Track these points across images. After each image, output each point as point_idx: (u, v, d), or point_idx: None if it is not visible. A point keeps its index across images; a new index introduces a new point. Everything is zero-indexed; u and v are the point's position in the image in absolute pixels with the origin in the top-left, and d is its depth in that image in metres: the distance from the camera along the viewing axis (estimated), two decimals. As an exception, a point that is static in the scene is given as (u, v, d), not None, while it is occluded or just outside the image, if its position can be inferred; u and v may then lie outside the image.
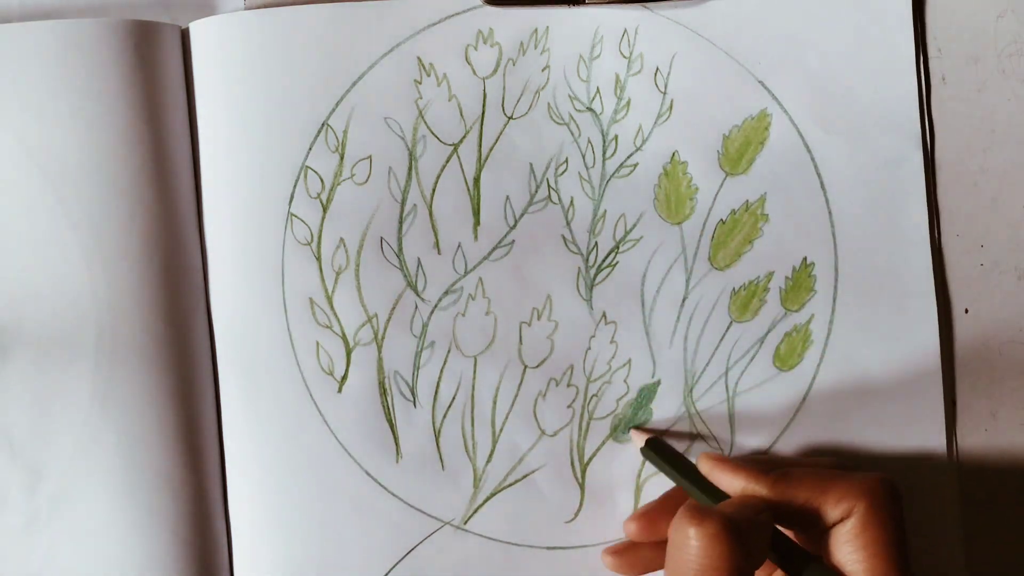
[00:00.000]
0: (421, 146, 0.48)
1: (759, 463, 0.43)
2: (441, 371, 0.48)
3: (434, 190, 0.48)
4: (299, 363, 0.47)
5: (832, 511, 0.40)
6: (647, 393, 0.48)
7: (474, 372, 0.48)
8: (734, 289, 0.48)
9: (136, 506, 0.46)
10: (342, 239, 0.47)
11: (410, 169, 0.48)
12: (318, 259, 0.47)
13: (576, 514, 0.48)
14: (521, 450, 0.48)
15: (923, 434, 0.47)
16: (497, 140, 0.48)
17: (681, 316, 0.48)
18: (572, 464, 0.48)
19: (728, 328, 0.48)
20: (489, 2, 0.48)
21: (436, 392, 0.48)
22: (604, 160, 0.48)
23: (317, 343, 0.47)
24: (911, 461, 0.47)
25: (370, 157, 0.48)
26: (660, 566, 0.45)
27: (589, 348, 0.48)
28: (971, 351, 0.48)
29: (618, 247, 0.48)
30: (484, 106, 0.48)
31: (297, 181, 0.47)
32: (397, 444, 0.47)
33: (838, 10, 0.48)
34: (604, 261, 0.48)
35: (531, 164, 0.48)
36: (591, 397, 0.48)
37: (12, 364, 0.46)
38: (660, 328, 0.48)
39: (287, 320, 0.47)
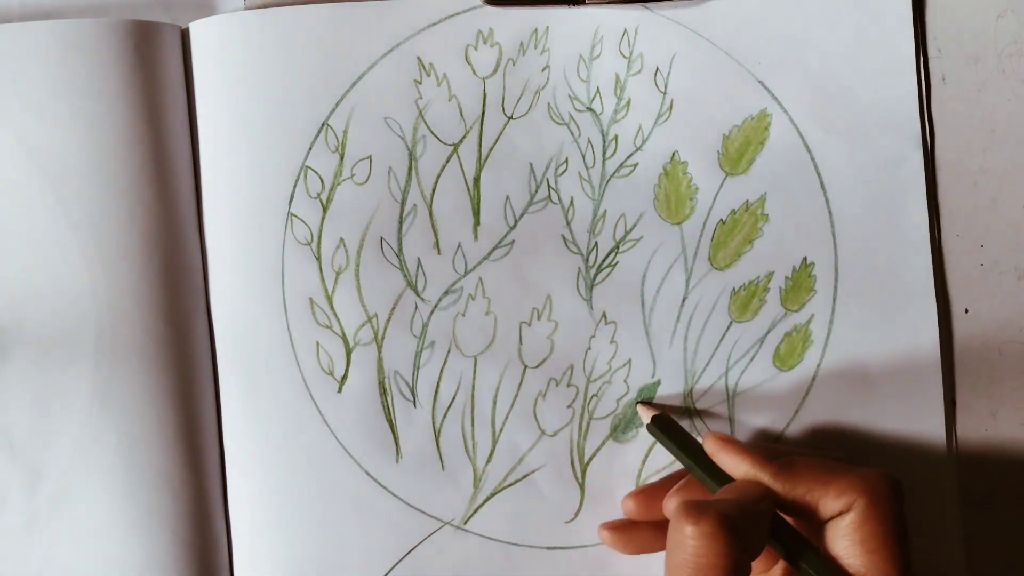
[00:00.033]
0: (421, 146, 0.48)
1: (765, 449, 0.43)
2: (441, 371, 0.48)
3: (434, 190, 0.48)
4: (299, 363, 0.47)
5: (833, 504, 0.40)
6: (647, 393, 0.48)
7: (474, 372, 0.48)
8: (734, 289, 0.48)
9: (136, 506, 0.46)
10: (342, 239, 0.47)
11: (410, 169, 0.48)
12: (318, 259, 0.47)
13: (576, 514, 0.48)
14: (521, 450, 0.48)
15: (923, 434, 0.47)
16: (497, 140, 0.48)
17: (681, 316, 0.48)
18: (572, 464, 0.48)
19: (728, 328, 0.48)
20: (489, 2, 0.48)
21: (436, 392, 0.48)
22: (604, 160, 0.48)
23: (317, 343, 0.47)
24: (911, 461, 0.47)
25: (370, 157, 0.48)
26: (656, 547, 0.45)
27: (589, 348, 0.48)
28: (971, 351, 0.48)
29: (618, 247, 0.48)
30: (484, 106, 0.48)
31: (297, 181, 0.47)
32: (397, 444, 0.47)
33: (838, 10, 0.48)
34: (604, 261, 0.48)
35: (531, 164, 0.48)
36: (591, 397, 0.48)
37: (12, 364, 0.46)
38: (660, 328, 0.48)
39: (287, 320, 0.47)
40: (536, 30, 0.48)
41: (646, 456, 0.48)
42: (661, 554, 0.43)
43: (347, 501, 0.47)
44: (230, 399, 0.47)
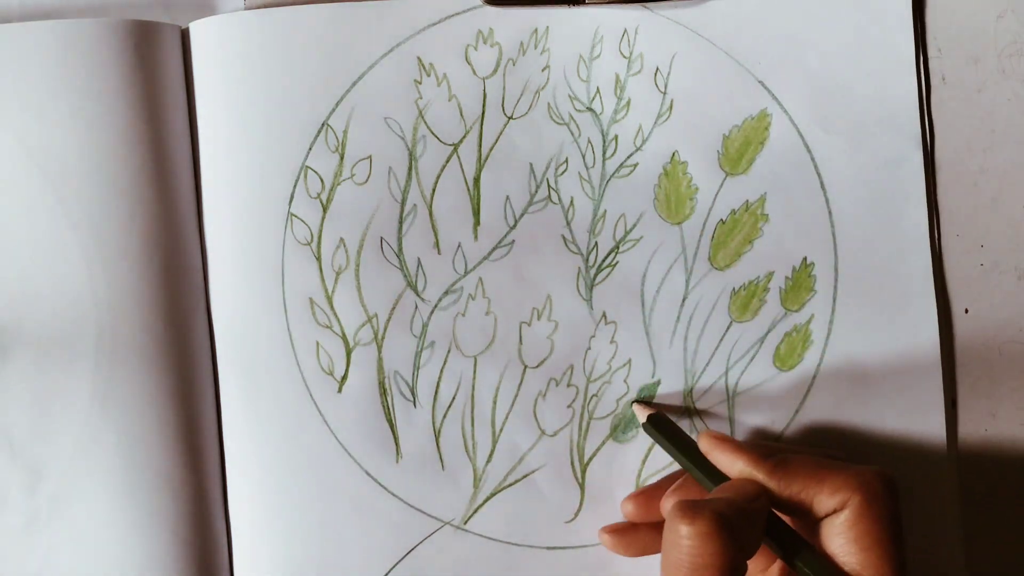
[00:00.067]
0: (421, 146, 0.48)
1: (759, 447, 0.43)
2: (441, 371, 0.48)
3: (434, 190, 0.48)
4: (299, 363, 0.47)
5: (827, 501, 0.40)
6: (647, 393, 0.48)
7: (474, 372, 0.48)
8: (734, 289, 0.48)
9: (136, 506, 0.46)
10: (342, 239, 0.48)
11: (410, 169, 0.48)
12: (318, 259, 0.47)
13: (576, 514, 0.48)
14: (521, 450, 0.48)
15: (923, 434, 0.47)
16: (497, 140, 0.48)
17: (681, 316, 0.48)
18: (572, 464, 0.48)
19: (728, 328, 0.48)
20: (489, 2, 0.48)
21: (436, 392, 0.48)
22: (604, 160, 0.48)
23: (317, 343, 0.47)
24: (911, 461, 0.47)
25: (370, 157, 0.48)
26: (658, 549, 0.45)
27: (589, 348, 0.48)
28: (971, 351, 0.48)
29: (618, 247, 0.48)
30: (484, 106, 0.48)
31: (297, 181, 0.47)
32: (397, 444, 0.47)
33: (838, 10, 0.48)
34: (604, 261, 0.48)
35: (531, 164, 0.48)
36: (591, 397, 0.48)
37: (12, 364, 0.46)
38: (660, 328, 0.48)
39: (287, 320, 0.47)
40: (536, 30, 0.48)
41: (646, 456, 0.48)
42: (661, 554, 0.43)
43: (347, 501, 0.47)
44: (230, 399, 0.47)
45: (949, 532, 0.48)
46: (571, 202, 0.48)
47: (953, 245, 0.48)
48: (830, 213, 0.48)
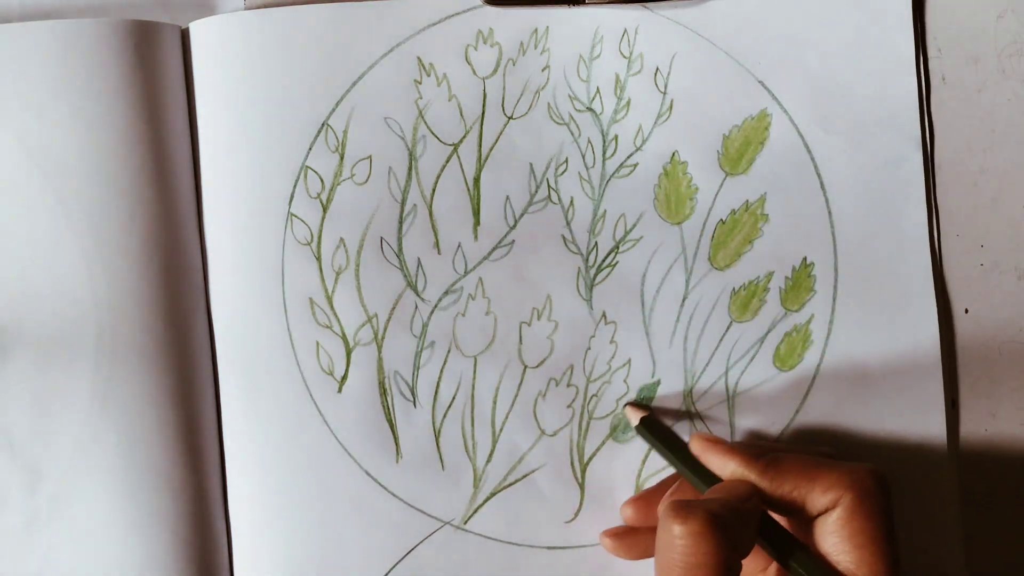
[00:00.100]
0: (421, 146, 0.48)
1: (751, 448, 0.43)
2: (441, 371, 0.48)
3: (434, 190, 0.48)
4: (299, 363, 0.47)
5: (820, 500, 0.40)
6: (647, 393, 0.48)
7: (474, 372, 0.48)
8: (734, 289, 0.48)
9: (136, 506, 0.46)
10: (342, 239, 0.48)
11: (410, 169, 0.48)
12: (318, 259, 0.47)
13: (576, 514, 0.48)
14: (521, 450, 0.48)
15: (923, 434, 0.47)
16: (497, 140, 0.48)
17: (681, 316, 0.48)
18: (572, 464, 0.48)
19: (728, 328, 0.48)
20: (489, 2, 0.48)
21: (436, 392, 0.48)
22: (604, 160, 0.48)
23: (317, 343, 0.47)
24: (911, 461, 0.47)
25: (370, 157, 0.48)
26: None
27: (589, 348, 0.48)
28: (971, 351, 0.48)
29: (618, 247, 0.48)
30: (484, 106, 0.48)
31: (297, 181, 0.47)
32: (397, 444, 0.47)
33: (838, 10, 0.48)
34: (604, 261, 0.48)
35: (531, 164, 0.48)
36: (591, 397, 0.48)
37: (12, 364, 0.46)
38: (660, 328, 0.48)
39: (287, 320, 0.47)
40: (536, 30, 0.48)
41: (646, 456, 0.48)
42: (661, 554, 0.43)
43: (347, 501, 0.47)
44: (230, 399, 0.47)
45: (949, 532, 0.48)
46: (571, 202, 0.48)
47: (953, 245, 0.48)
48: (830, 213, 0.48)
